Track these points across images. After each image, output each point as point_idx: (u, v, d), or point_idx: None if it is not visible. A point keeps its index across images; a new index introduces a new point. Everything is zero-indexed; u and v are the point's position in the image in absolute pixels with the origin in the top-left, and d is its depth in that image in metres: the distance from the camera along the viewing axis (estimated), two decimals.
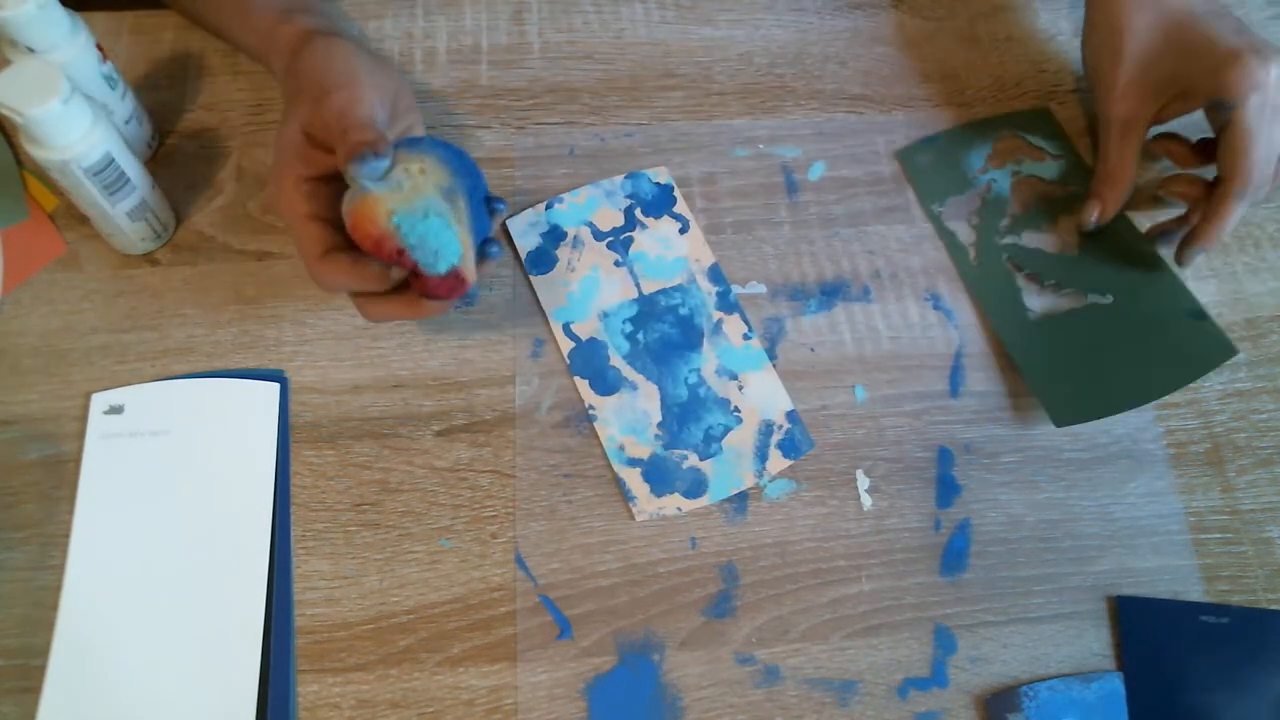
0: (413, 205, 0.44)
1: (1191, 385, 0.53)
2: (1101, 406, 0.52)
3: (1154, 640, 0.48)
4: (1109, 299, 0.55)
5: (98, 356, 0.52)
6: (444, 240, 0.44)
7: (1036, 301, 0.55)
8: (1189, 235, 0.53)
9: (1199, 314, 0.54)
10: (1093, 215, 0.55)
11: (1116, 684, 0.47)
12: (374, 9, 0.63)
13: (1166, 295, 0.55)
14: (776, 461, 0.51)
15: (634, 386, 0.52)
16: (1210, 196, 0.52)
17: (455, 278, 0.45)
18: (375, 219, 0.43)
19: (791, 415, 0.52)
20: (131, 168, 0.50)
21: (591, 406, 0.52)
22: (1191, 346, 0.53)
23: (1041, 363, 0.53)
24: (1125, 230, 0.57)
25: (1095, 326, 0.54)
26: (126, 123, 0.55)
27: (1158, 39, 0.53)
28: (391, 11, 0.62)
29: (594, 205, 0.57)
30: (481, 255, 0.47)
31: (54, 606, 0.47)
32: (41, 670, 0.45)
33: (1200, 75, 0.51)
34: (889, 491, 0.51)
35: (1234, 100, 0.49)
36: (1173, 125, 0.56)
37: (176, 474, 0.50)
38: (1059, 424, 0.51)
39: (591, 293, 0.54)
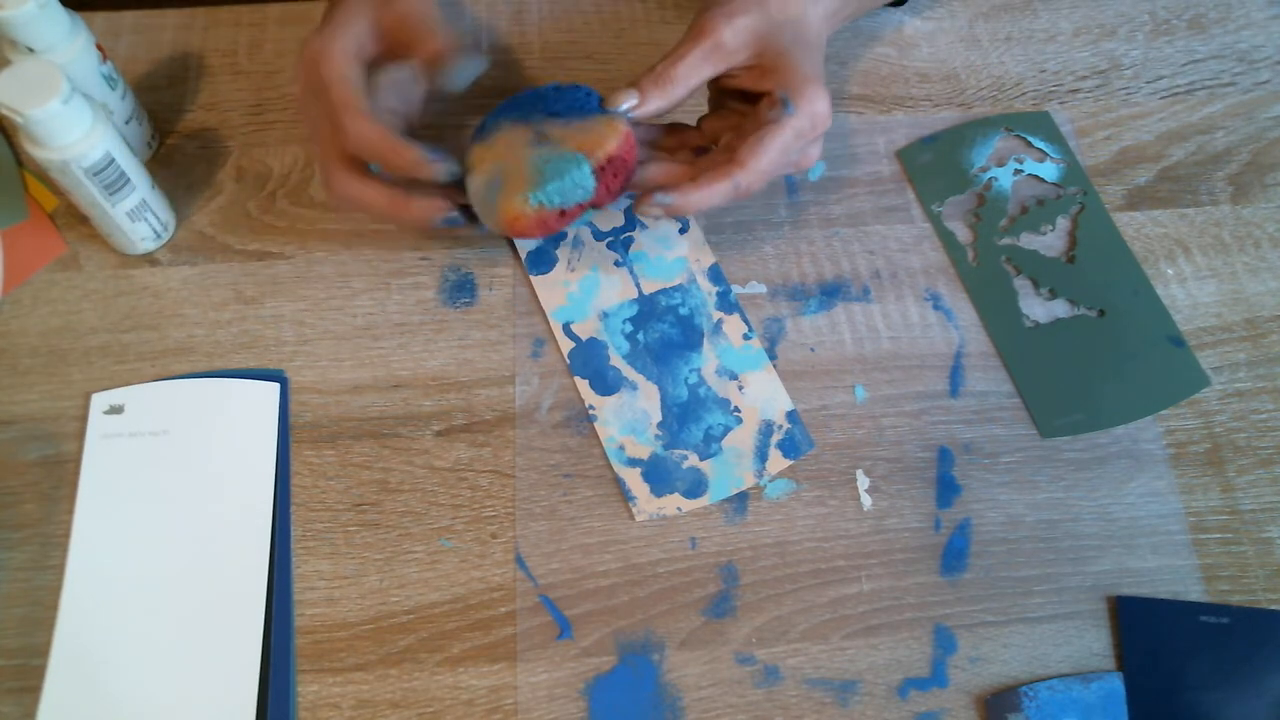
0: (532, 177, 0.46)
1: None
2: (1084, 423, 0.52)
3: (1154, 640, 0.47)
4: (1095, 313, 0.55)
5: (98, 356, 0.52)
6: (575, 177, 0.46)
7: (1031, 306, 0.55)
8: (667, 191, 0.49)
9: (1178, 340, 0.54)
10: (622, 100, 0.49)
11: (1116, 684, 0.47)
12: None
13: (1149, 317, 0.55)
14: (776, 461, 0.51)
15: (634, 386, 0.52)
16: (707, 167, 0.49)
17: (615, 169, 0.47)
18: (523, 211, 0.46)
19: (791, 415, 0.52)
20: (131, 168, 0.50)
21: (591, 406, 0.52)
22: (1168, 373, 0.54)
23: (1032, 370, 0.53)
24: (1115, 245, 0.57)
25: (1082, 340, 0.54)
26: (126, 123, 0.55)
27: (789, 22, 0.51)
28: None
29: None
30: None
31: (54, 606, 0.47)
32: (41, 670, 0.45)
33: (790, 70, 0.49)
34: (889, 491, 0.51)
35: (795, 109, 0.48)
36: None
37: (176, 474, 0.50)
38: (1045, 435, 0.52)
39: (591, 293, 0.54)
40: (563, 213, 0.47)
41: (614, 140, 0.47)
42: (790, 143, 0.49)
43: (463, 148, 0.49)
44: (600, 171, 0.47)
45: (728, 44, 0.49)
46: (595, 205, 0.48)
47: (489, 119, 0.50)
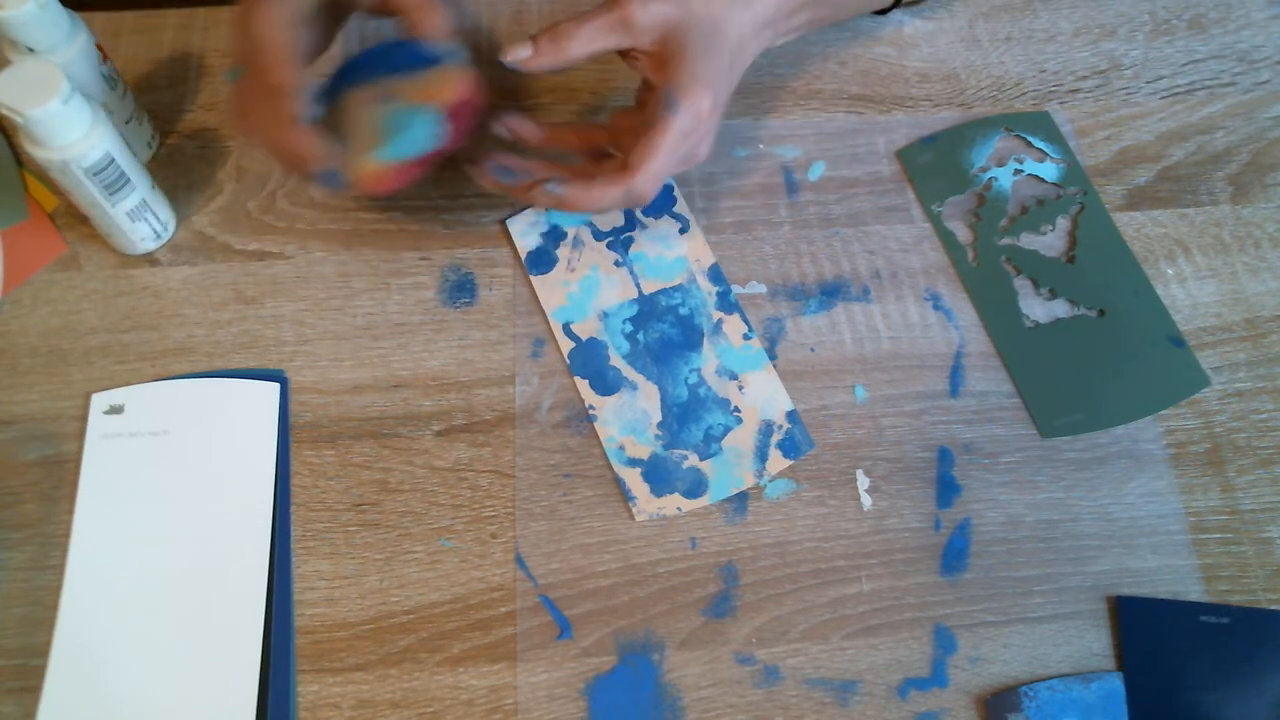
0: (382, 133, 0.47)
1: None
2: (1084, 423, 0.52)
3: (1154, 640, 0.47)
4: (1095, 313, 0.55)
5: (98, 356, 0.52)
6: (422, 126, 0.47)
7: (1031, 306, 0.55)
8: (560, 183, 0.49)
9: (1178, 340, 0.54)
10: (514, 52, 0.49)
11: (1116, 684, 0.47)
12: None
13: (1149, 317, 0.55)
14: (776, 461, 0.51)
15: (634, 386, 0.52)
16: (599, 169, 0.51)
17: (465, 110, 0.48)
18: (377, 174, 0.47)
19: (791, 415, 0.52)
20: (131, 168, 0.50)
21: (591, 406, 0.52)
22: (1168, 373, 0.54)
23: (1032, 370, 0.53)
24: (1115, 245, 0.57)
25: (1082, 340, 0.54)
26: (126, 123, 0.55)
27: (705, 20, 0.50)
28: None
29: None
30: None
31: (54, 606, 0.47)
32: (41, 670, 0.45)
33: (682, 68, 0.49)
34: (889, 491, 0.51)
35: (679, 108, 0.48)
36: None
37: (176, 474, 0.50)
38: (1045, 435, 0.52)
39: (591, 293, 0.54)
40: (420, 162, 0.47)
41: (458, 85, 0.48)
42: (676, 143, 0.48)
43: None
44: (449, 116, 0.47)
45: (637, 22, 0.49)
46: (451, 149, 0.48)
47: (332, 85, 0.49)
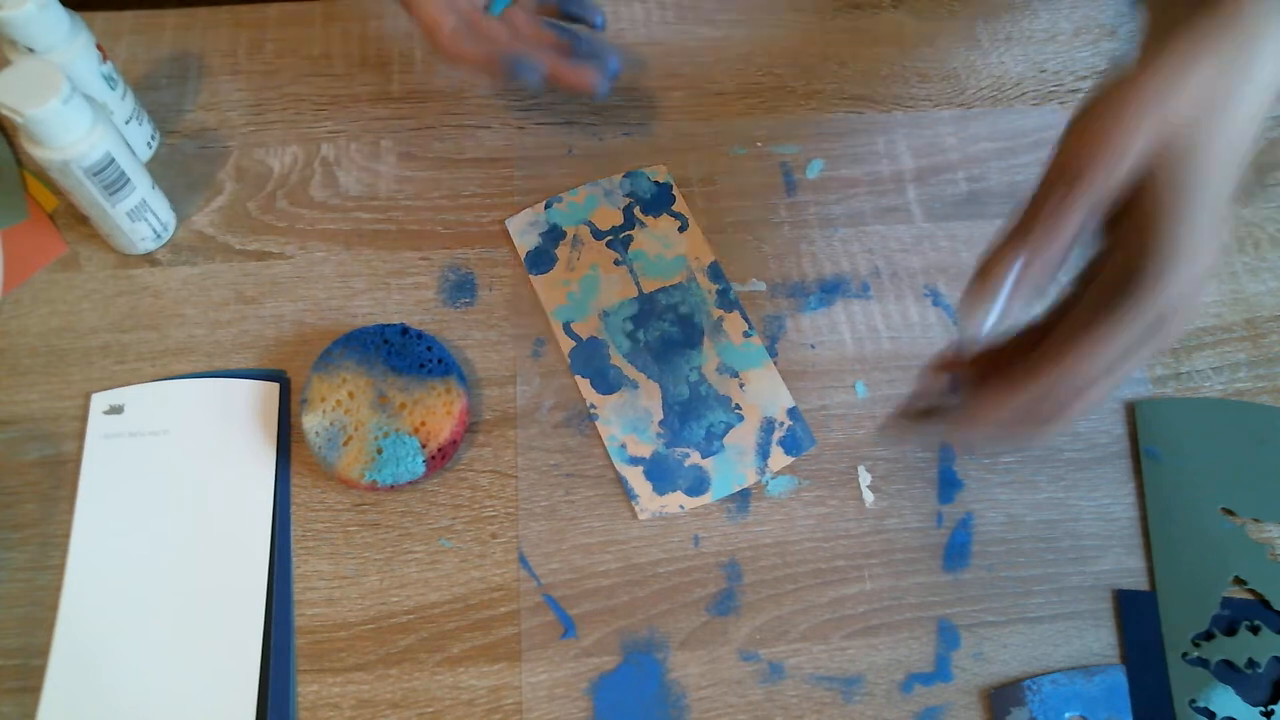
0: (371, 455, 0.49)
1: (1191, 385, 0.53)
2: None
3: (1156, 632, 0.48)
4: None
5: (98, 356, 0.52)
6: (409, 465, 0.48)
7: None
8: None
9: None
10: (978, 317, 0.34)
11: (1119, 677, 0.47)
12: (374, 8, 0.63)
13: None
14: (778, 458, 0.51)
15: (635, 385, 0.52)
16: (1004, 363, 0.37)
17: None
18: (359, 479, 0.48)
19: (793, 412, 0.52)
20: (131, 168, 0.50)
21: (592, 405, 0.52)
22: None
23: None
24: None
25: None
26: (126, 123, 0.55)
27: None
28: (392, 11, 0.63)
29: (593, 204, 0.57)
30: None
31: (54, 606, 0.47)
32: (41, 670, 0.45)
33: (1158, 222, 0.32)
34: (890, 490, 0.51)
35: (1137, 293, 0.33)
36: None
37: (176, 474, 0.50)
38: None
39: (591, 292, 0.54)
40: (392, 487, 0.48)
41: (449, 424, 0.49)
42: (1120, 345, 0.33)
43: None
44: (431, 460, 0.48)
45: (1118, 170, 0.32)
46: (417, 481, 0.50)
47: (333, 347, 0.50)
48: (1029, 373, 0.34)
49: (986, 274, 0.33)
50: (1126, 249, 0.33)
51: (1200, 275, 0.32)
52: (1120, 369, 0.33)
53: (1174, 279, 0.32)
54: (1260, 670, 0.46)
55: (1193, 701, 0.46)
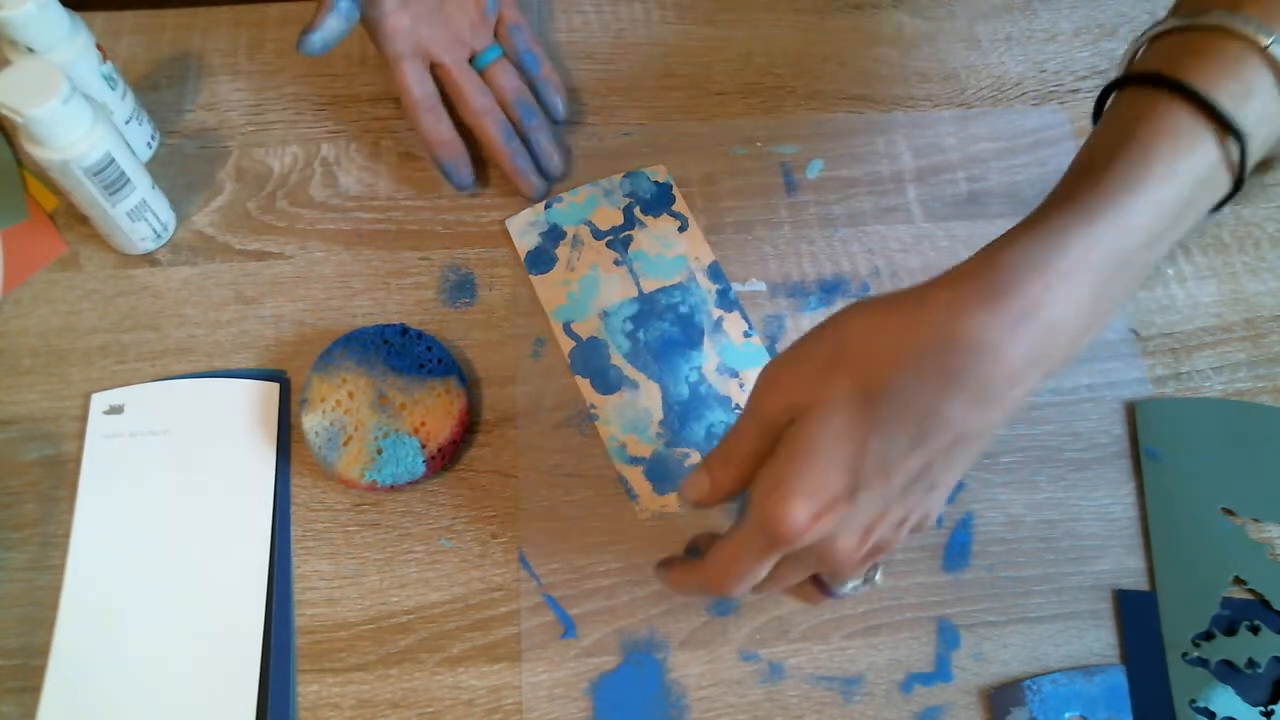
0: (371, 454, 0.49)
1: (1191, 385, 0.53)
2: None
3: (1156, 632, 0.48)
4: None
5: (98, 356, 0.52)
6: (409, 465, 0.49)
7: None
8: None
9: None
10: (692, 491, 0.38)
11: (1119, 677, 0.47)
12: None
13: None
14: None
15: (635, 385, 0.52)
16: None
17: None
18: (358, 480, 0.49)
19: None
20: (131, 168, 0.50)
21: (592, 405, 0.52)
22: None
23: None
24: None
25: None
26: (126, 123, 0.55)
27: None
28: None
29: (593, 204, 0.57)
30: None
31: (54, 606, 0.47)
32: (41, 670, 0.45)
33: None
34: None
35: (749, 510, 0.36)
36: None
37: (176, 474, 0.50)
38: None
39: (591, 292, 0.54)
40: (392, 487, 0.49)
41: (449, 424, 0.49)
42: (740, 553, 0.36)
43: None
44: (431, 460, 0.49)
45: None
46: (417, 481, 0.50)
47: (333, 347, 0.51)
48: (697, 564, 0.39)
49: (684, 488, 0.38)
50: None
51: (816, 509, 0.33)
52: (755, 571, 0.36)
53: (770, 507, 0.33)
54: (1260, 670, 0.46)
55: (1193, 701, 0.46)
